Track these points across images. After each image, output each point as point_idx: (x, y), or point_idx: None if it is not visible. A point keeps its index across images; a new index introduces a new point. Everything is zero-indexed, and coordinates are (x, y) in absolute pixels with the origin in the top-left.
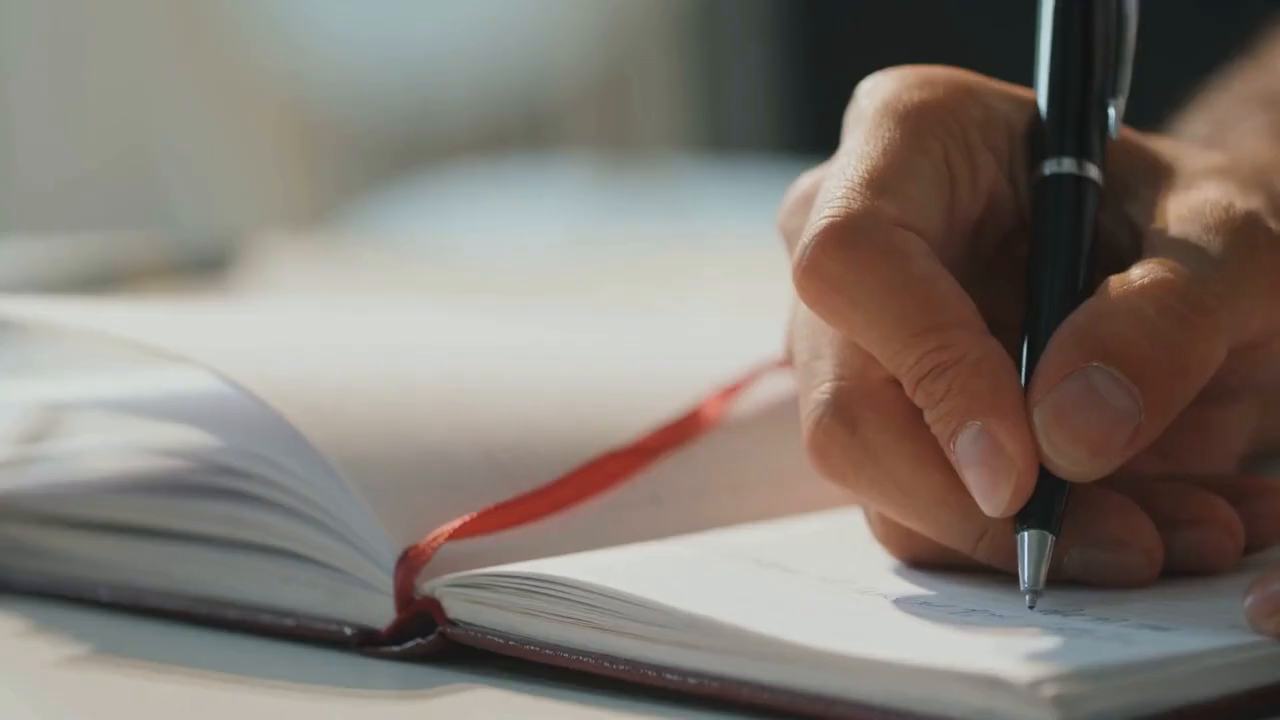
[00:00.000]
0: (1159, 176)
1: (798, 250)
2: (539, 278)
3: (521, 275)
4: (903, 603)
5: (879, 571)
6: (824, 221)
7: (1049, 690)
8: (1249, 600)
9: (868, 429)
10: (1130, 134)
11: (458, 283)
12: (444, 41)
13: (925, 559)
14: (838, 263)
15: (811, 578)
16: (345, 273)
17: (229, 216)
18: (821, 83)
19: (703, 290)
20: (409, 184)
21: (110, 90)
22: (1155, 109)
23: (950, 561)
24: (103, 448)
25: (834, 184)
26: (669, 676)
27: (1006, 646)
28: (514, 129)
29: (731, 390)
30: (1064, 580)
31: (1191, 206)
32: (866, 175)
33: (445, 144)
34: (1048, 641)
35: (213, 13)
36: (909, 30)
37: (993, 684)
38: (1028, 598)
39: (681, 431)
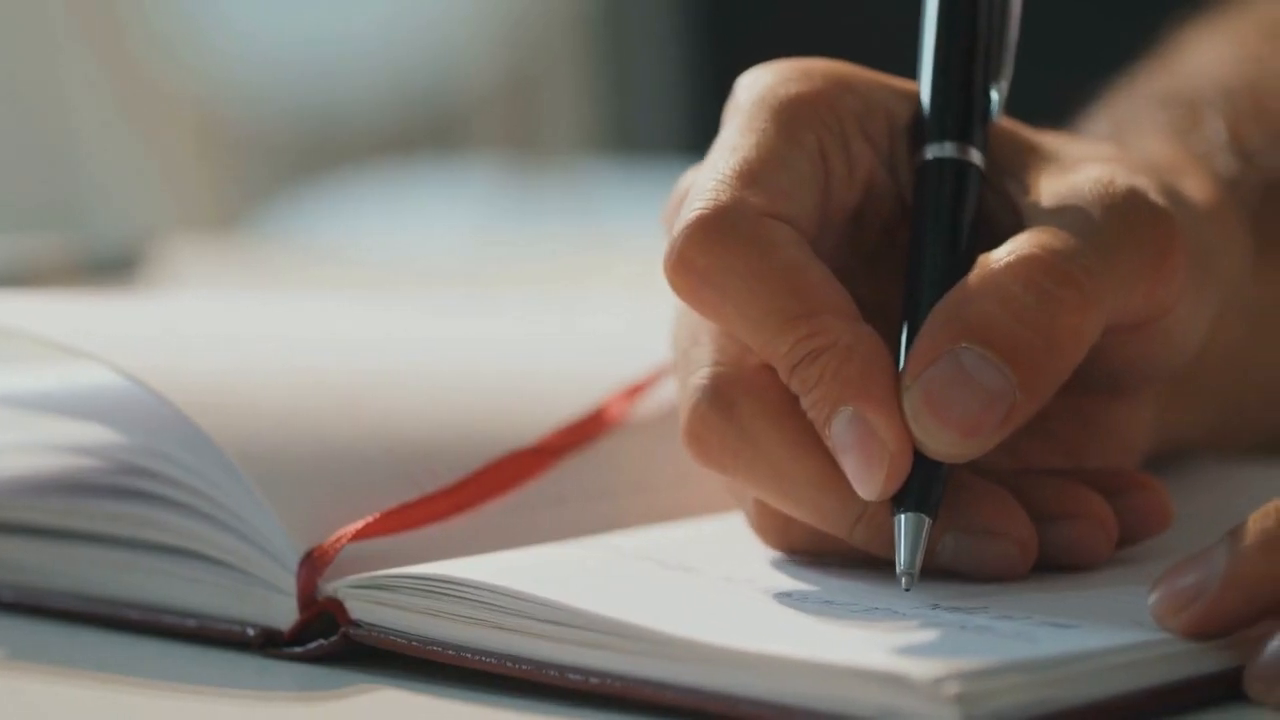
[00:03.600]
0: (1044, 159)
1: (667, 245)
2: (448, 278)
3: (430, 276)
4: (805, 601)
5: (781, 571)
6: (692, 215)
7: (951, 688)
8: (1154, 597)
9: (744, 414)
10: (1016, 125)
11: (366, 284)
12: (351, 44)
13: (802, 548)
14: (705, 255)
15: (714, 578)
16: (255, 274)
17: (140, 219)
18: (728, 83)
19: (610, 290)
20: (318, 186)
21: (21, 93)
22: (1058, 109)
23: (827, 550)
24: (4, 446)
25: (705, 178)
26: (572, 676)
27: (909, 644)
28: (422, 130)
29: (635, 390)
30: (938, 569)
31: (1071, 182)
32: (737, 168)
33: (354, 146)
34: (950, 639)
35: (123, 15)
36: (816, 31)
37: (895, 681)
38: (903, 580)
39: (585, 431)
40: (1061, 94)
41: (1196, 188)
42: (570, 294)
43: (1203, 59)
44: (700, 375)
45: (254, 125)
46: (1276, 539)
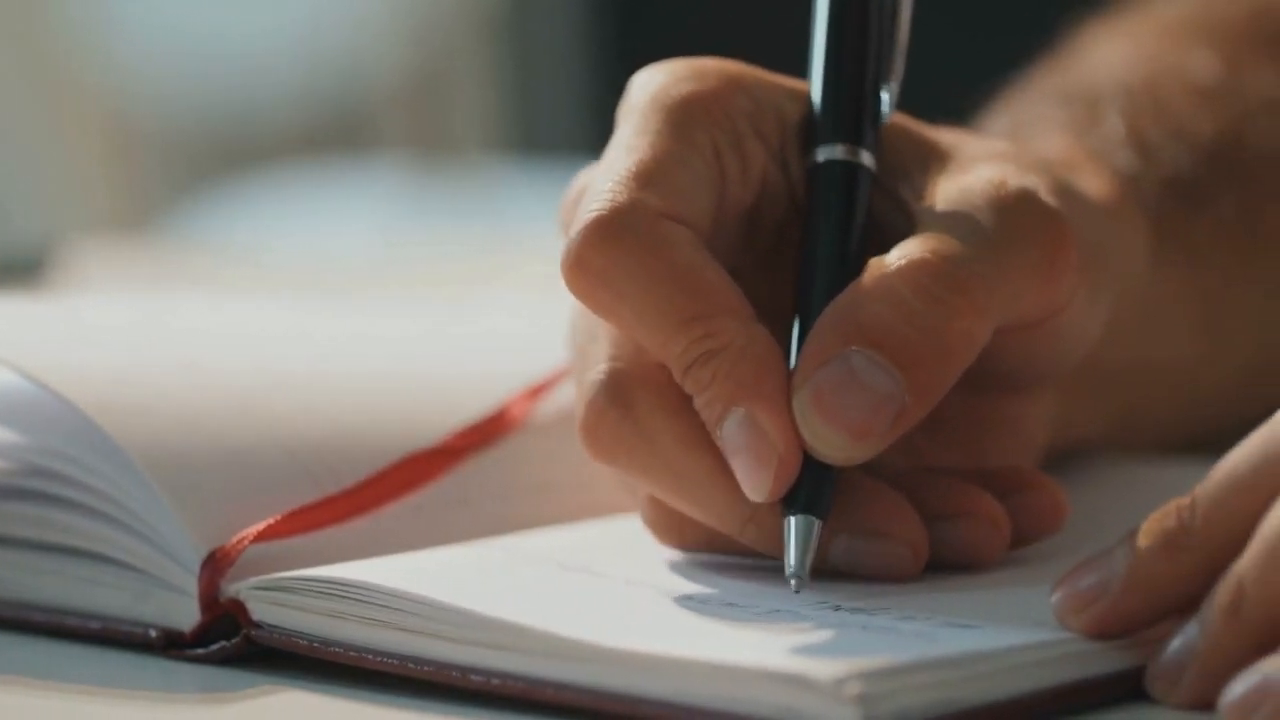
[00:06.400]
0: (937, 160)
1: (564, 246)
2: (356, 279)
3: (339, 277)
4: (708, 604)
5: (684, 573)
6: (589, 216)
7: (853, 688)
8: (1056, 597)
9: (640, 410)
10: (911, 122)
11: (276, 285)
12: (259, 44)
13: (694, 545)
14: (602, 256)
15: (617, 580)
16: (164, 276)
17: (47, 221)
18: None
19: (517, 290)
20: (228, 187)
21: None
22: (958, 108)
23: (721, 549)
24: None
25: (601, 179)
26: (474, 677)
27: (811, 645)
28: (330, 131)
29: (538, 390)
30: (830, 572)
31: (962, 185)
32: (632, 169)
33: (262, 147)
34: (852, 640)
35: (33, 15)
36: (722, 31)
37: (797, 682)
38: (793, 583)
39: (488, 432)
40: (961, 93)
41: (1093, 183)
42: (475, 294)
43: (1102, 58)
44: (598, 370)
45: (162, 126)
46: (1177, 539)
